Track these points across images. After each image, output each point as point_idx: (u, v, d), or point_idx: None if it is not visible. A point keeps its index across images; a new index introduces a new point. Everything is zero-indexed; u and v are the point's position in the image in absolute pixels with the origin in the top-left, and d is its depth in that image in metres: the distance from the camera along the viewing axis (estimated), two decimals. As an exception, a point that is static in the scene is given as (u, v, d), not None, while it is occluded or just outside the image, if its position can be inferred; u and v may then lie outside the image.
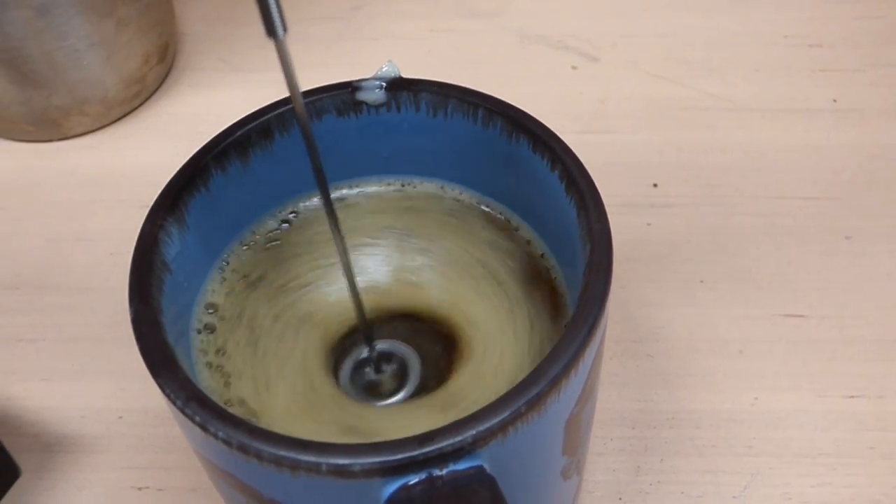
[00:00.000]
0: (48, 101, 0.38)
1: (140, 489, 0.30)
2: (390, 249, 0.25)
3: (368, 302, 0.24)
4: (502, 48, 0.43)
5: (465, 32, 0.44)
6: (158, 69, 0.41)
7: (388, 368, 0.23)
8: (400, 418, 0.22)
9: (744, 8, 0.44)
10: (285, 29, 0.19)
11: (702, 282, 0.34)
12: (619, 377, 0.31)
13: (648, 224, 0.36)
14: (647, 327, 0.33)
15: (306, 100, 0.24)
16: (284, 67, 0.20)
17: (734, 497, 0.29)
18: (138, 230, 0.34)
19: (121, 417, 0.31)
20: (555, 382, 0.19)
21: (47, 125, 0.39)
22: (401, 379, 0.23)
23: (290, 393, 0.22)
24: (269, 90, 0.43)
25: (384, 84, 0.24)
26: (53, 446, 0.31)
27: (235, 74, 0.43)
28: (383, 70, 0.25)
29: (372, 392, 0.23)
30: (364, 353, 0.24)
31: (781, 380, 0.31)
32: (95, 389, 0.32)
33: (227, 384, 0.23)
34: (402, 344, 0.24)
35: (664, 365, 0.32)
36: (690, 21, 0.44)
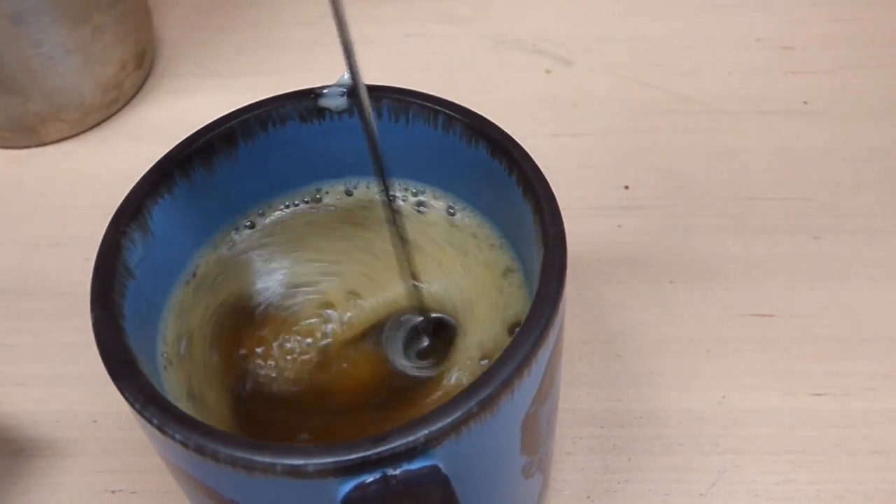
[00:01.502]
0: (24, 108, 0.38)
1: (114, 492, 0.30)
2: (363, 254, 0.25)
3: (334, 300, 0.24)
4: (477, 53, 0.44)
5: (441, 37, 0.44)
6: (136, 75, 0.41)
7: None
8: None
9: (717, 11, 0.45)
10: None
11: (671, 282, 0.34)
12: (588, 377, 0.32)
13: (619, 226, 0.36)
14: (617, 328, 0.33)
15: (268, 107, 0.25)
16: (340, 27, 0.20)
17: (701, 494, 0.29)
18: None
19: (95, 421, 0.32)
20: (507, 383, 0.19)
21: (24, 132, 0.39)
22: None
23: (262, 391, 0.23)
24: (246, 96, 0.43)
25: (346, 91, 0.25)
26: (27, 451, 0.31)
27: (213, 80, 0.43)
28: (345, 77, 0.25)
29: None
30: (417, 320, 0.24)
31: (748, 378, 0.32)
32: (69, 394, 0.32)
33: (194, 387, 0.23)
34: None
35: (633, 365, 0.32)
36: (663, 25, 0.44)
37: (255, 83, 0.43)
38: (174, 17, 0.46)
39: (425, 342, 0.24)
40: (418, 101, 0.24)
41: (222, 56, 0.44)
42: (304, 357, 0.24)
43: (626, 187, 0.37)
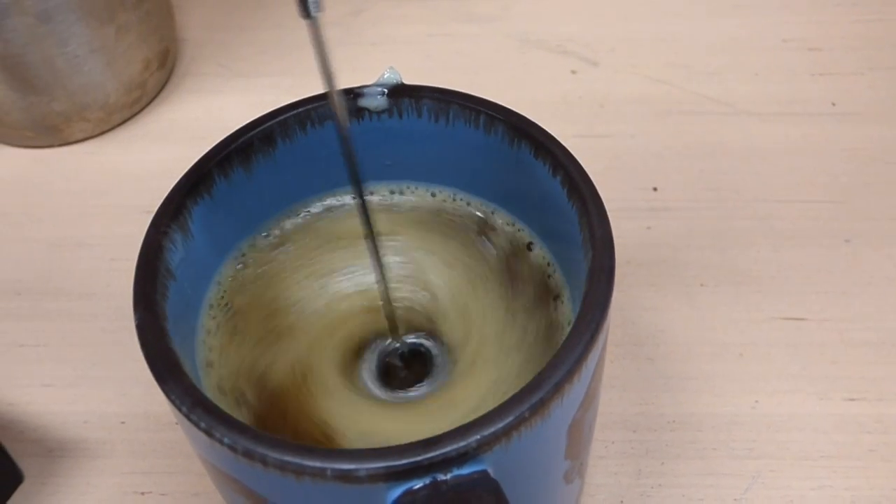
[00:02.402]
0: (49, 108, 0.38)
1: (143, 494, 0.30)
2: (394, 255, 0.25)
3: (373, 304, 0.24)
4: (501, 52, 0.43)
5: (465, 37, 0.44)
6: (159, 75, 0.41)
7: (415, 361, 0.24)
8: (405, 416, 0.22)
9: (742, 12, 0.44)
10: (320, 9, 0.19)
11: (702, 285, 0.34)
12: (620, 380, 0.31)
13: (648, 227, 0.36)
14: (648, 331, 0.33)
15: (308, 107, 0.24)
16: (318, 48, 0.19)
17: (735, 500, 0.29)
18: (139, 235, 0.34)
19: (123, 422, 0.31)
20: (558, 387, 0.19)
21: (48, 131, 0.39)
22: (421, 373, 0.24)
23: (293, 390, 0.23)
24: (269, 95, 0.43)
25: (386, 90, 0.24)
26: (56, 451, 0.31)
27: (236, 80, 0.43)
28: (385, 76, 0.25)
29: (395, 385, 0.23)
30: (391, 344, 0.24)
31: (782, 383, 0.31)
32: (97, 395, 0.32)
33: (232, 387, 0.23)
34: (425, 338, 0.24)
35: (665, 368, 0.32)
36: (689, 25, 0.44)
37: (278, 83, 0.43)
38: (196, 17, 0.46)
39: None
40: (459, 101, 0.24)
41: (245, 56, 0.44)
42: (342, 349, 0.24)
43: (655, 189, 0.37)
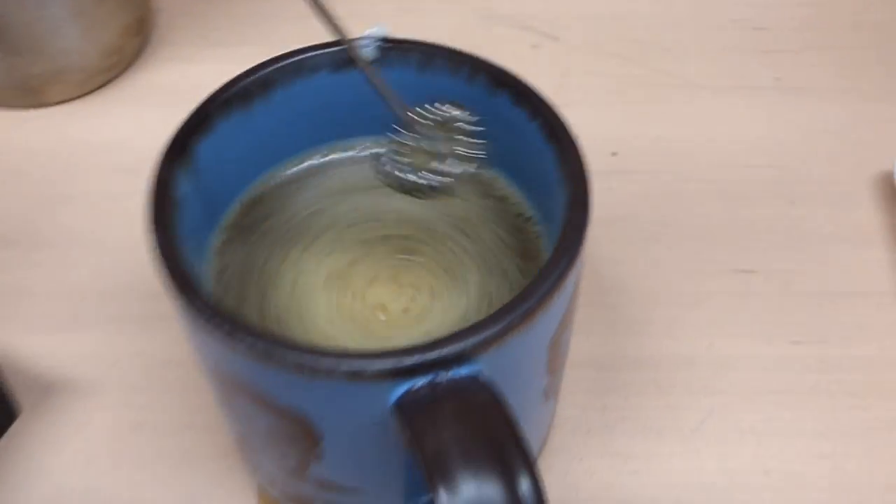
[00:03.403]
0: (29, 70, 0.39)
1: (137, 426, 0.31)
2: (384, 197, 0.27)
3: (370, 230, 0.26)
4: (468, 27, 0.45)
5: (434, 13, 0.46)
6: (135, 41, 0.42)
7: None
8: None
9: (693, -6, 0.47)
10: None
11: (659, 240, 0.36)
12: (587, 325, 0.34)
13: (610, 188, 0.38)
14: (611, 281, 0.35)
15: (301, 56, 0.26)
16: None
17: (692, 430, 0.31)
18: (120, 190, 0.36)
19: (115, 362, 0.33)
20: (543, 299, 0.21)
21: (28, 93, 0.40)
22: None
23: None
24: (243, 65, 0.45)
25: (376, 41, 0.26)
26: (51, 389, 0.32)
27: (210, 49, 0.44)
28: (373, 30, 0.26)
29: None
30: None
31: (733, 328, 0.34)
32: (88, 337, 0.33)
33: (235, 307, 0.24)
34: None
35: (627, 314, 0.34)
36: (645, 5, 0.46)
37: (252, 53, 0.43)
38: (170, -13, 0.47)
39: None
40: (443, 53, 0.26)
41: (219, 26, 0.45)
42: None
43: (614, 154, 0.40)
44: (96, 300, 0.34)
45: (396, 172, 0.26)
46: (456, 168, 0.26)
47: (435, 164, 0.26)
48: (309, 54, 0.26)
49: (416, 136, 0.26)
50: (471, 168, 0.26)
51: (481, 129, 0.26)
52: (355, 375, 0.20)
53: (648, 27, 0.45)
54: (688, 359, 0.33)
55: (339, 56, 0.26)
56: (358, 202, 0.27)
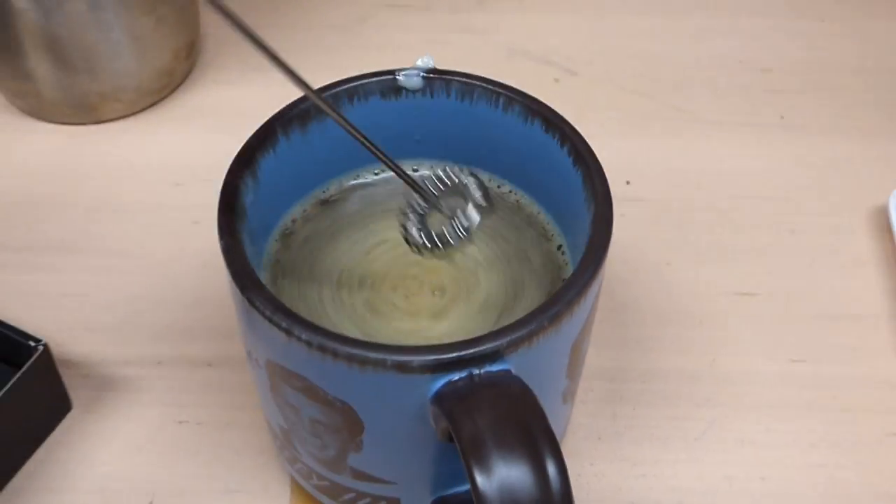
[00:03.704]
0: (88, 88, 0.42)
1: (180, 423, 0.34)
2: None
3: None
4: (493, 60, 0.49)
5: (461, 46, 0.49)
6: (185, 64, 0.45)
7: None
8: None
9: (705, 36, 0.50)
10: None
11: (668, 264, 0.39)
12: (601, 340, 0.36)
13: (622, 215, 0.41)
14: (623, 300, 0.38)
15: (355, 83, 0.29)
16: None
17: (695, 439, 0.34)
18: (168, 202, 0.39)
19: (160, 363, 0.35)
20: (570, 304, 0.24)
21: (85, 109, 0.43)
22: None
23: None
24: (285, 89, 0.48)
25: (422, 72, 0.29)
26: (100, 386, 0.34)
27: (253, 74, 0.47)
28: (421, 61, 0.29)
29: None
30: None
31: (736, 346, 0.37)
32: (135, 339, 0.36)
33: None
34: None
35: (637, 331, 0.37)
36: (658, 45, 0.50)
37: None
38: (217, 15, 0.50)
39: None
40: (483, 84, 0.29)
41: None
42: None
43: (628, 182, 0.42)
44: (145, 306, 0.37)
45: (412, 232, 0.29)
46: (457, 237, 0.29)
47: (443, 230, 0.29)
48: (361, 81, 0.29)
49: (426, 197, 0.29)
50: (468, 238, 0.29)
51: (486, 204, 0.29)
52: (402, 368, 0.23)
53: (662, 65, 0.48)
54: (693, 373, 0.36)
55: (387, 84, 0.29)
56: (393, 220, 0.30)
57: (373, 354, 0.23)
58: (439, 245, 0.28)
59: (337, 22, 0.50)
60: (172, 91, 0.46)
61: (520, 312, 0.27)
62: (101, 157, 0.43)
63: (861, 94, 0.47)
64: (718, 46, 0.50)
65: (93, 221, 0.40)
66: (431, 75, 0.29)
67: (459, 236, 0.29)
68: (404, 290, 0.28)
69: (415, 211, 0.29)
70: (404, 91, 0.29)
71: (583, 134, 0.29)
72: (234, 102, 0.46)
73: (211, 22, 0.49)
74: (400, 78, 0.29)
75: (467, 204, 0.29)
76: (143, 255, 0.39)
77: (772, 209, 0.42)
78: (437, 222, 0.29)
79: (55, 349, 0.33)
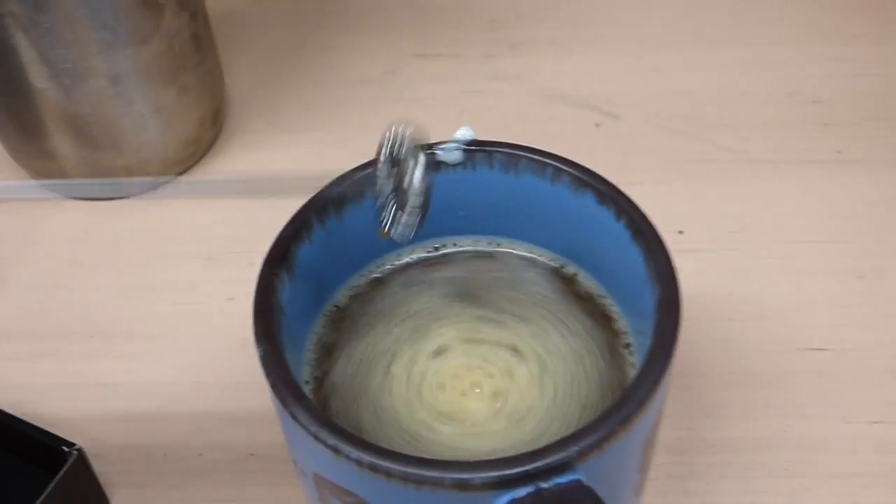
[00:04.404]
0: (113, 163, 0.41)
1: (224, 518, 0.32)
2: (468, 303, 0.28)
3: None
4: (529, 108, 0.47)
5: (494, 94, 0.47)
6: (211, 131, 0.44)
7: None
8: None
9: (748, 68, 0.48)
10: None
11: (731, 319, 0.37)
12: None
13: (678, 267, 0.39)
14: (685, 362, 0.35)
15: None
16: None
17: (776, 515, 0.31)
18: (200, 279, 0.37)
19: (201, 455, 0.33)
20: (641, 404, 0.22)
21: (111, 185, 0.42)
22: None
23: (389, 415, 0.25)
24: (313, 149, 0.46)
25: (462, 144, 0.27)
26: (139, 483, 0.33)
27: (281, 135, 0.46)
28: (460, 133, 0.28)
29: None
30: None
31: (810, 408, 0.34)
32: (174, 430, 0.34)
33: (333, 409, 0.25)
34: None
35: (702, 396, 0.35)
36: (701, 81, 0.47)
37: (322, 138, 0.46)
38: (242, 78, 0.48)
39: None
40: (528, 154, 0.27)
41: (288, 113, 0.47)
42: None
43: (681, 232, 0.40)
44: (182, 392, 0.35)
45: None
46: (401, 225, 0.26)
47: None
48: (397, 160, 0.27)
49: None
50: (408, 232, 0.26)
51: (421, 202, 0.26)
52: (462, 486, 0.21)
53: (706, 103, 0.46)
54: (766, 441, 0.33)
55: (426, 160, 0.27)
56: (441, 303, 0.28)
57: (430, 473, 0.21)
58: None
59: (365, 76, 0.48)
60: (199, 159, 0.44)
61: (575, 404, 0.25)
62: (129, 234, 0.41)
63: (923, 121, 0.45)
64: (763, 79, 0.47)
65: (124, 303, 0.39)
66: (472, 147, 0.27)
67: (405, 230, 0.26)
68: (454, 388, 0.26)
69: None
70: (444, 165, 0.27)
71: (628, 181, 0.27)
72: (263, 166, 0.44)
73: (236, 85, 0.48)
74: (439, 153, 0.27)
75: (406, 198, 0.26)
76: (177, 338, 0.37)
77: (835, 253, 0.39)
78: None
79: (90, 443, 0.31)
